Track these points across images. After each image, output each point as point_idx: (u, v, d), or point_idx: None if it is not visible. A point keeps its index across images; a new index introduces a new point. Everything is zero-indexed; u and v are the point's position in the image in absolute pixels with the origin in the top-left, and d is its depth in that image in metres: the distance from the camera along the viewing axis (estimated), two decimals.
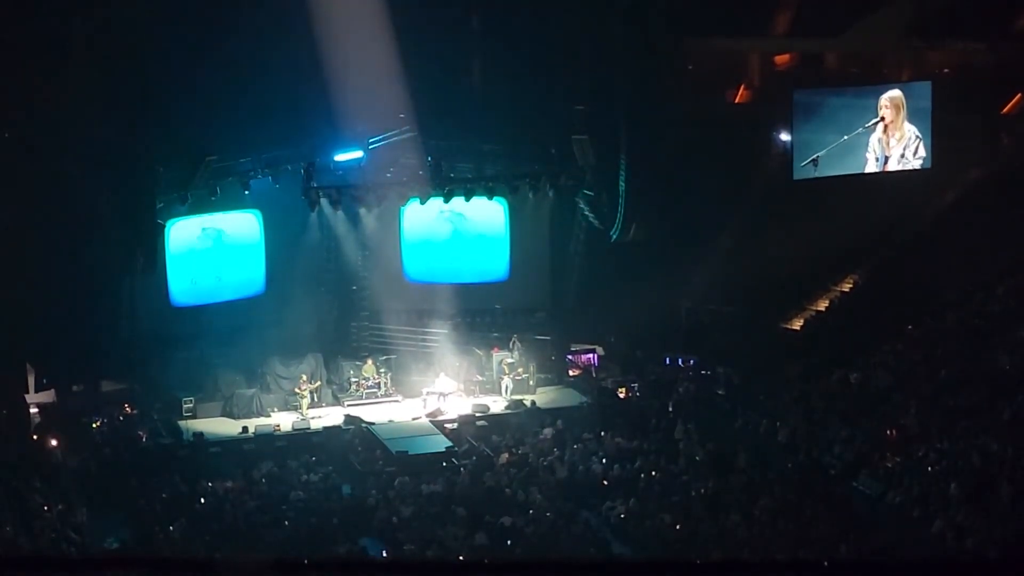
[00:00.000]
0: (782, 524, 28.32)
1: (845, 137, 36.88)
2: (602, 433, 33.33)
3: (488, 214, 38.00)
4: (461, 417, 35.09)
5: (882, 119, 37.08)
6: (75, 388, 34.98)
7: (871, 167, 37.47)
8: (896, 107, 37.19)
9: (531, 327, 38.24)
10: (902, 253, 37.72)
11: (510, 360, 36.94)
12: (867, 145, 37.10)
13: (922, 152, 37.47)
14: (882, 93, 37.27)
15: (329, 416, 35.46)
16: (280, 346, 36.42)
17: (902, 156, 37.59)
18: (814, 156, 36.85)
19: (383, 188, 36.83)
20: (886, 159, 37.53)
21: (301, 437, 34.20)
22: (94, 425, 33.72)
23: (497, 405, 36.05)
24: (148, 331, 35.24)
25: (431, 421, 35.24)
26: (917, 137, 37.34)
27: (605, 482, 31.51)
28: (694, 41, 38.90)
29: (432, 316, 38.06)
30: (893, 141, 37.23)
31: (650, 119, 35.91)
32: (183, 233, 35.51)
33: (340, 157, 35.92)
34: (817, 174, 37.01)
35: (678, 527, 29.22)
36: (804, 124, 37.18)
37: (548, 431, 33.53)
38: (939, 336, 33.34)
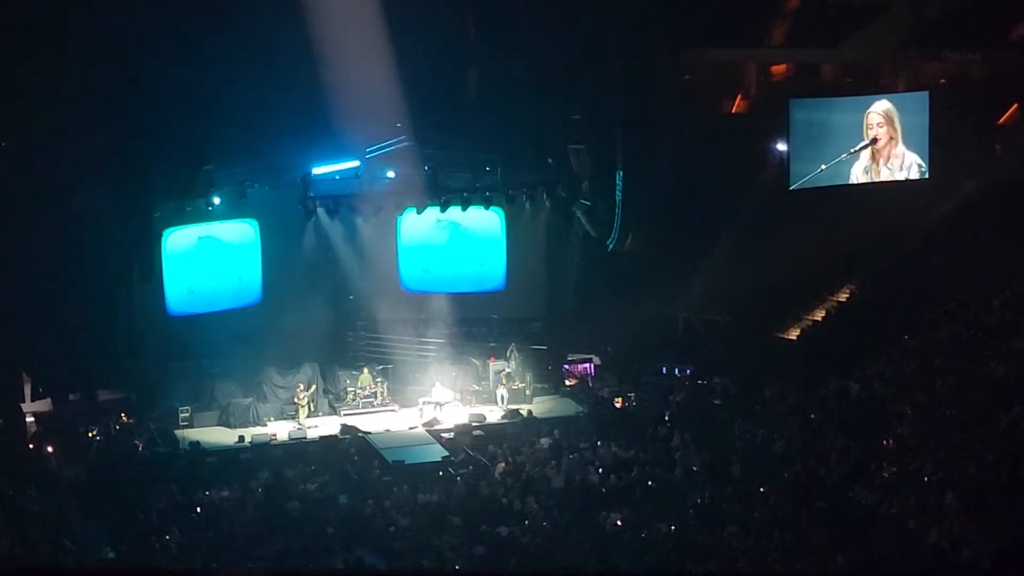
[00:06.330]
0: (778, 534, 28.30)
1: (823, 167, 36.63)
2: (598, 443, 33.34)
3: (485, 223, 38.05)
4: (457, 427, 35.09)
5: (874, 140, 36.92)
6: (71, 397, 35.00)
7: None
8: (889, 124, 36.93)
9: (527, 337, 38.27)
10: (898, 263, 37.75)
11: (507, 370, 36.97)
12: (849, 175, 36.89)
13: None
14: (880, 103, 37.14)
15: (326, 425, 35.48)
16: (276, 355, 36.44)
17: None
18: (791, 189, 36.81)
19: (380, 197, 36.89)
20: None
21: (297, 446, 34.20)
22: (90, 434, 33.71)
23: (493, 415, 36.06)
24: (145, 340, 35.21)
25: (428, 431, 35.25)
26: (920, 166, 37.09)
27: (603, 491, 31.47)
28: (691, 52, 38.96)
29: (428, 326, 38.10)
30: (885, 171, 37.06)
31: (647, 129, 35.95)
32: (180, 242, 35.53)
33: (320, 170, 36.06)
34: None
35: (674, 537, 29.19)
36: (800, 136, 37.12)
37: (545, 441, 33.52)
38: (935, 346, 33.33)
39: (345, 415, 35.96)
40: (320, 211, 36.79)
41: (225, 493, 31.22)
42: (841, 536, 28.07)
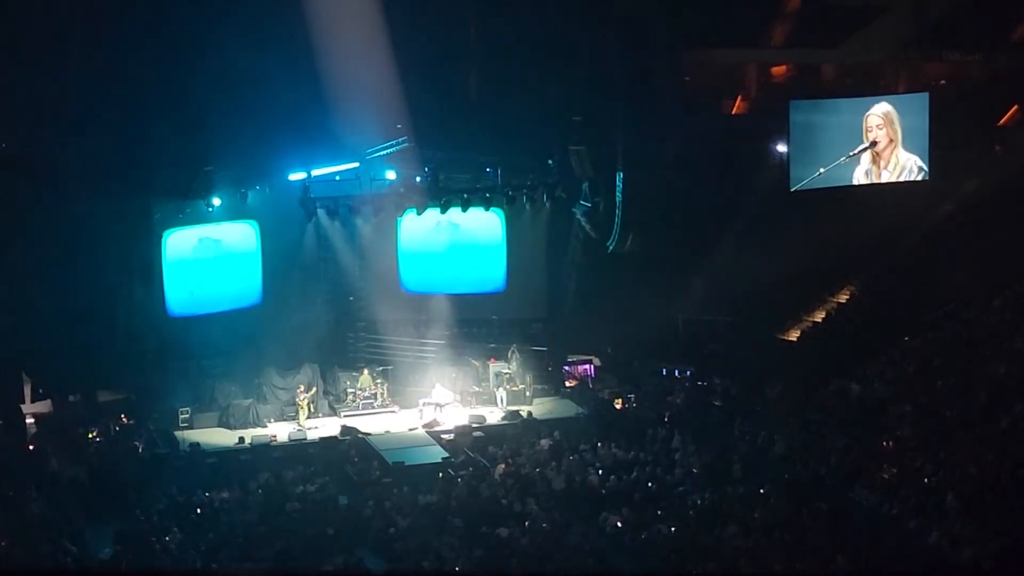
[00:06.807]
0: (779, 535, 28.30)
1: (821, 170, 36.60)
2: (599, 444, 33.31)
3: (485, 225, 38.03)
4: (457, 428, 35.07)
5: (874, 143, 36.86)
6: (72, 398, 34.99)
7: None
8: (889, 126, 36.85)
9: (527, 338, 38.24)
10: (899, 264, 37.77)
11: (507, 371, 36.96)
12: (851, 178, 36.84)
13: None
14: (880, 105, 37.07)
15: (326, 427, 35.47)
16: (277, 356, 36.42)
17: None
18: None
19: (380, 198, 36.90)
20: None
21: (297, 448, 34.19)
22: (90, 435, 33.69)
23: (494, 416, 36.04)
24: (145, 341, 35.20)
25: (428, 432, 35.24)
26: (921, 169, 37.06)
27: (603, 492, 31.45)
28: (691, 52, 38.98)
29: (429, 327, 38.08)
30: (885, 174, 37.01)
31: (647, 130, 35.96)
32: (180, 243, 35.50)
33: (320, 171, 36.07)
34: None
35: (675, 538, 29.18)
36: (800, 139, 37.08)
37: (545, 442, 33.50)
38: (936, 347, 33.36)
39: (345, 416, 35.96)
40: (320, 212, 36.77)
41: (225, 494, 31.20)
42: (841, 536, 28.08)
